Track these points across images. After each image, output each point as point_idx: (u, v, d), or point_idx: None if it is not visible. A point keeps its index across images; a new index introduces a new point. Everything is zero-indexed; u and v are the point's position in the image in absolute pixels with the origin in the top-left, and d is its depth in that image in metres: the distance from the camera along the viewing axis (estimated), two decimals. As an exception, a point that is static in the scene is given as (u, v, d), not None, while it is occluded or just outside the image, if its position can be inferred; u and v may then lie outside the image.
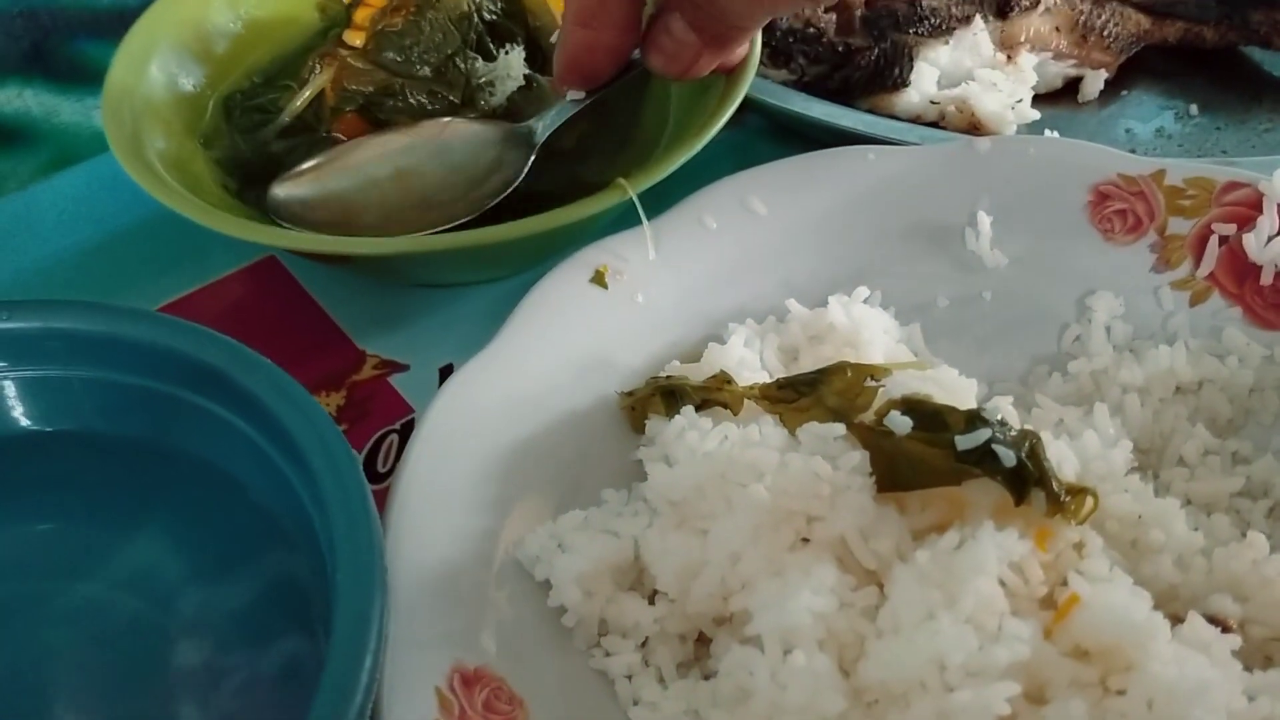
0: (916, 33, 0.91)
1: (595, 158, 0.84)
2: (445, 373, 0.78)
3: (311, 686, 0.49)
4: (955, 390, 0.63)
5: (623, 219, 0.74)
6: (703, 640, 0.61)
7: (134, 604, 0.61)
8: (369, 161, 0.79)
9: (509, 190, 0.76)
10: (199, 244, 0.82)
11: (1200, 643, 0.54)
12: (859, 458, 0.59)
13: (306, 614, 0.59)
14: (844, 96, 0.91)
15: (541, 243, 0.73)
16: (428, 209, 0.76)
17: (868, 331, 0.69)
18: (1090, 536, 0.58)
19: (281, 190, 0.78)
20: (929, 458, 0.57)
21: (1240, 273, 0.72)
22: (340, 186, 0.78)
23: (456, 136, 0.80)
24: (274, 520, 0.61)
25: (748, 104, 0.86)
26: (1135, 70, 0.97)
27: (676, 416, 0.65)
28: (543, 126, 0.77)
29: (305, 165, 0.79)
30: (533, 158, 0.77)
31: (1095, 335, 0.71)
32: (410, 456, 0.62)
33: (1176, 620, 0.55)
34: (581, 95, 0.76)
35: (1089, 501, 0.57)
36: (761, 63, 0.91)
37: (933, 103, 0.90)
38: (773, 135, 0.91)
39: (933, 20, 0.91)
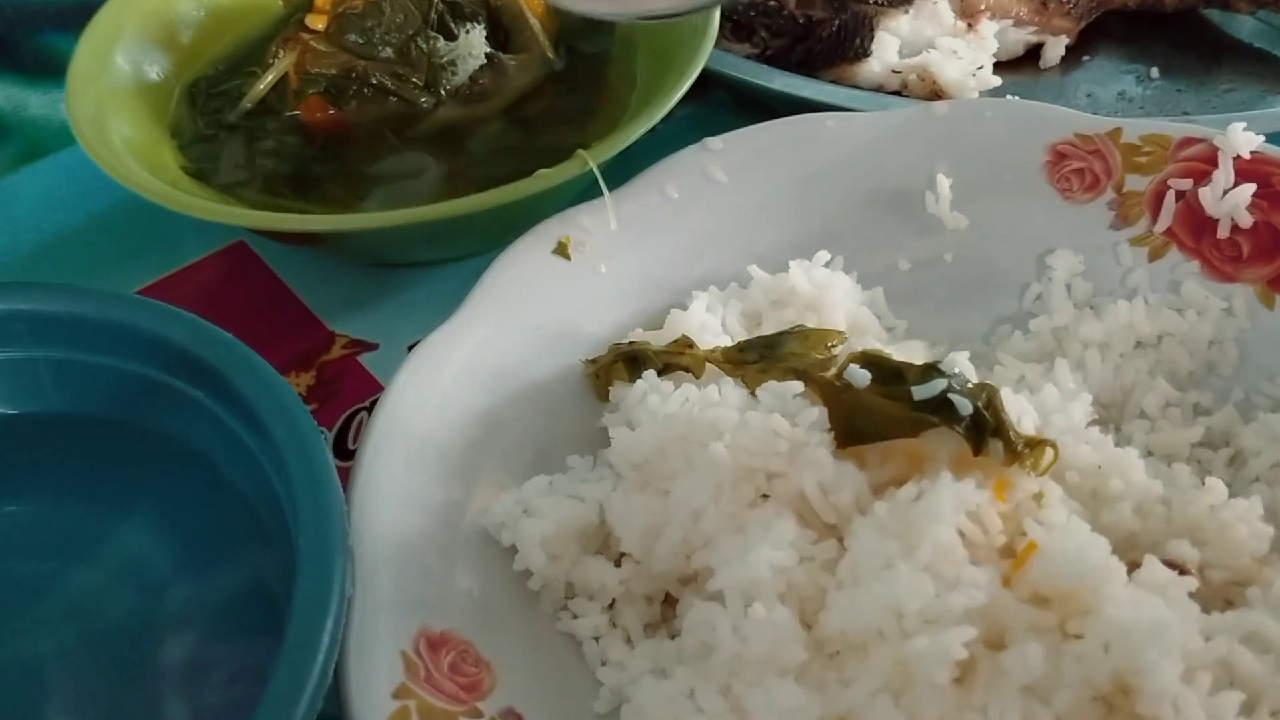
0: (877, 3, 0.91)
1: (562, 128, 0.84)
2: (414, 350, 0.79)
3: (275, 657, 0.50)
4: (911, 352, 0.64)
5: (587, 192, 0.74)
6: (669, 601, 0.62)
7: (102, 580, 0.61)
8: None
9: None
10: (168, 230, 0.83)
11: (1156, 585, 0.54)
12: (817, 414, 0.59)
13: (273, 587, 0.59)
14: (807, 68, 0.91)
15: (504, 216, 0.73)
16: None
17: (830, 296, 0.70)
18: (1050, 487, 0.58)
19: None
20: (887, 409, 0.57)
21: (1197, 227, 0.72)
22: None
23: None
24: (241, 494, 0.62)
25: (711, 78, 0.87)
26: (1096, 36, 0.98)
27: (638, 381, 0.65)
28: None
29: None
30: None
31: (1055, 293, 0.72)
32: (375, 427, 0.62)
33: (1136, 566, 0.56)
34: None
35: (1048, 453, 0.58)
36: (724, 36, 0.92)
37: (895, 72, 0.90)
38: (737, 108, 0.91)
39: (893, -10, 0.91)
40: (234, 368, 0.60)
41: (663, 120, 0.93)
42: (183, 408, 0.62)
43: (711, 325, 0.69)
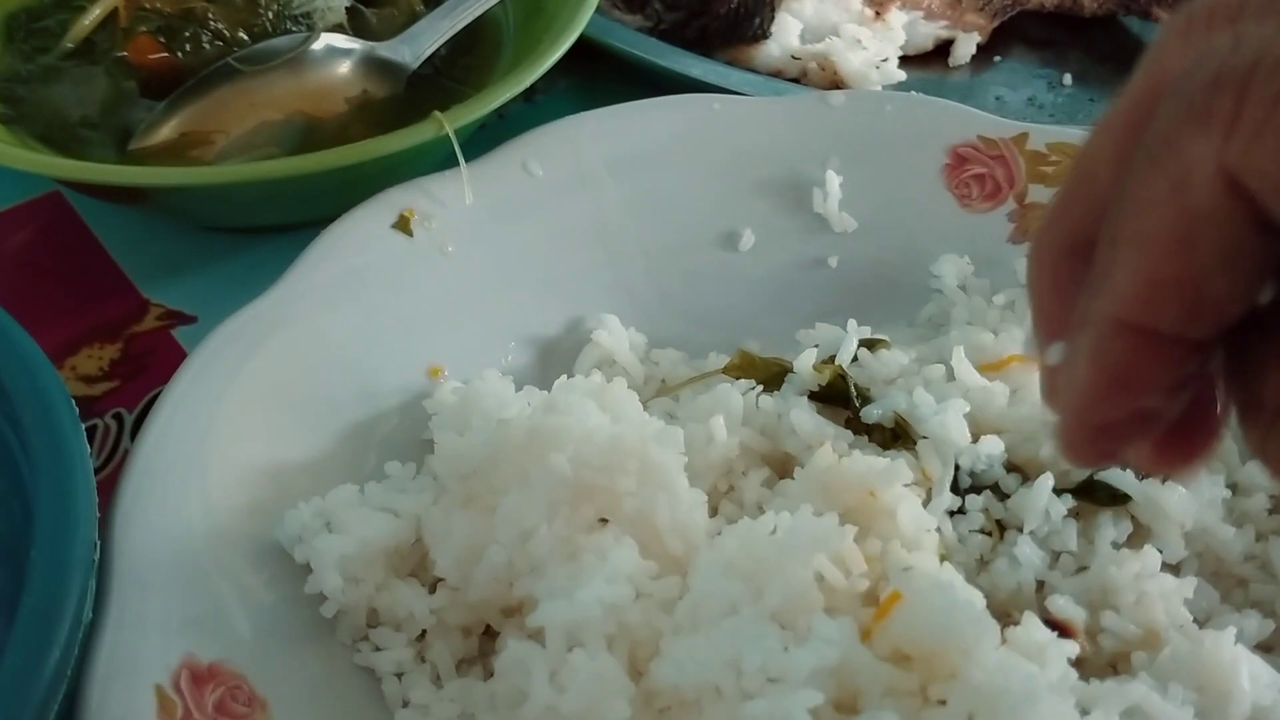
0: (780, -19, 0.84)
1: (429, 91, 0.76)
2: (237, 327, 0.70)
3: None
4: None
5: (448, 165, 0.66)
6: (491, 635, 0.54)
7: None
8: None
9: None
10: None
11: (1033, 648, 0.48)
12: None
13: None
14: (702, 47, 0.84)
15: (348, 180, 0.64)
16: None
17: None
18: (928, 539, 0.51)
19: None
20: None
21: (1103, 246, 0.66)
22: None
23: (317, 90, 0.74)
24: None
25: (599, 50, 0.80)
26: (1010, 36, 0.92)
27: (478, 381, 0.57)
28: (412, 55, 0.75)
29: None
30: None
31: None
32: (159, 415, 0.53)
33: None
34: None
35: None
36: (615, 6, 0.85)
37: (794, 58, 0.84)
38: (628, 86, 0.83)
39: (800, -31, 0.85)
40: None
41: (543, 91, 0.85)
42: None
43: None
